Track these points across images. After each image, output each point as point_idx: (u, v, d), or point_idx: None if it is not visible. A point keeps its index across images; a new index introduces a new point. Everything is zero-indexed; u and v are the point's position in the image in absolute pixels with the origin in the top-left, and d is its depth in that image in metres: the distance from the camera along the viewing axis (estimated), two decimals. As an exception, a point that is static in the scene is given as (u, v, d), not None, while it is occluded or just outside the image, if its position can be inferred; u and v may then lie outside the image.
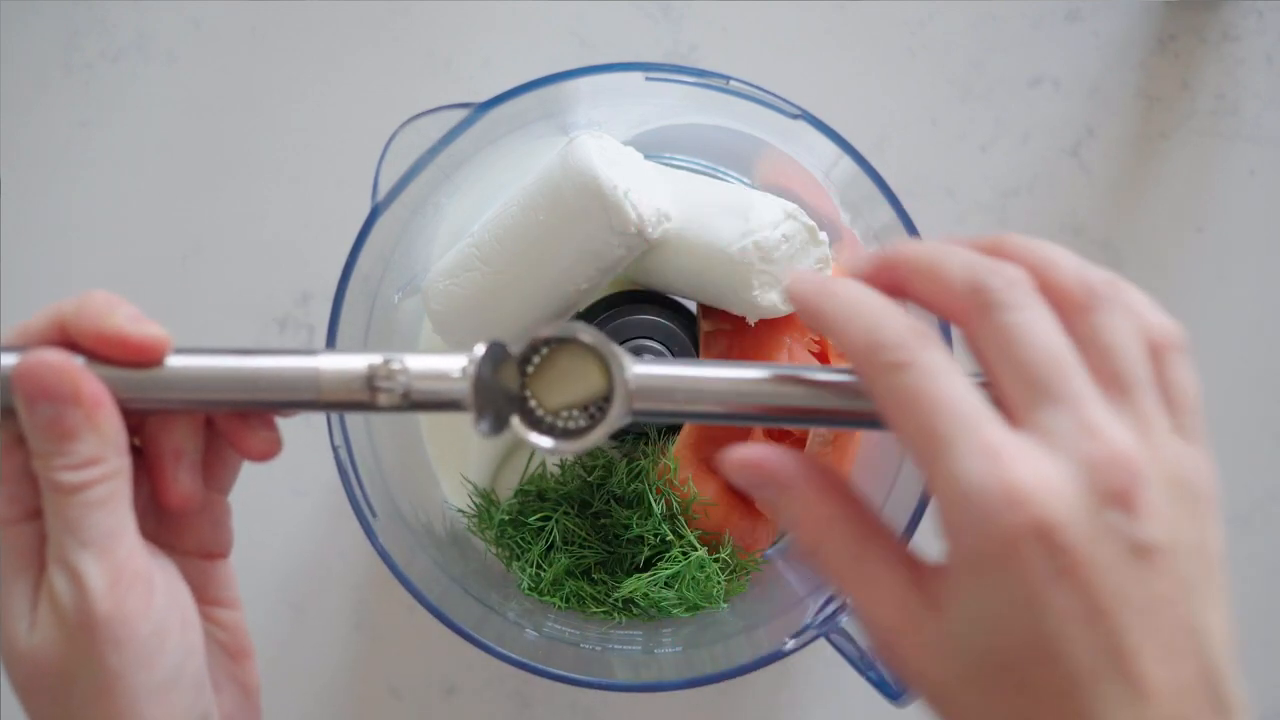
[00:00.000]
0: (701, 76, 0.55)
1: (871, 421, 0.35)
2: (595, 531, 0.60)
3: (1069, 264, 0.34)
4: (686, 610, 0.59)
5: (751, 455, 0.35)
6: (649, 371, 0.37)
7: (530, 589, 0.60)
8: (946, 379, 0.32)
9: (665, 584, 0.59)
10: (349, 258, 0.55)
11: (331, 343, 0.55)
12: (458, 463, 0.64)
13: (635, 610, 0.60)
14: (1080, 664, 0.30)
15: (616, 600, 0.59)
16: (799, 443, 0.59)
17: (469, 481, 0.63)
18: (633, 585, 0.59)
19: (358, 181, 0.63)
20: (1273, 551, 0.68)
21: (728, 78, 0.55)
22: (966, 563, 0.31)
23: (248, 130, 0.70)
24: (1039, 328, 0.32)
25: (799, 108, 0.54)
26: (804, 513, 0.34)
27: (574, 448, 0.38)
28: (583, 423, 0.38)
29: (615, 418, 0.37)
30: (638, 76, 0.55)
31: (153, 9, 0.70)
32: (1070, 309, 0.33)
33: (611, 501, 0.60)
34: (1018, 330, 0.32)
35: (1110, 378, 0.32)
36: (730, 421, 0.39)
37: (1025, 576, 0.30)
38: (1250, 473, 0.68)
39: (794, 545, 0.34)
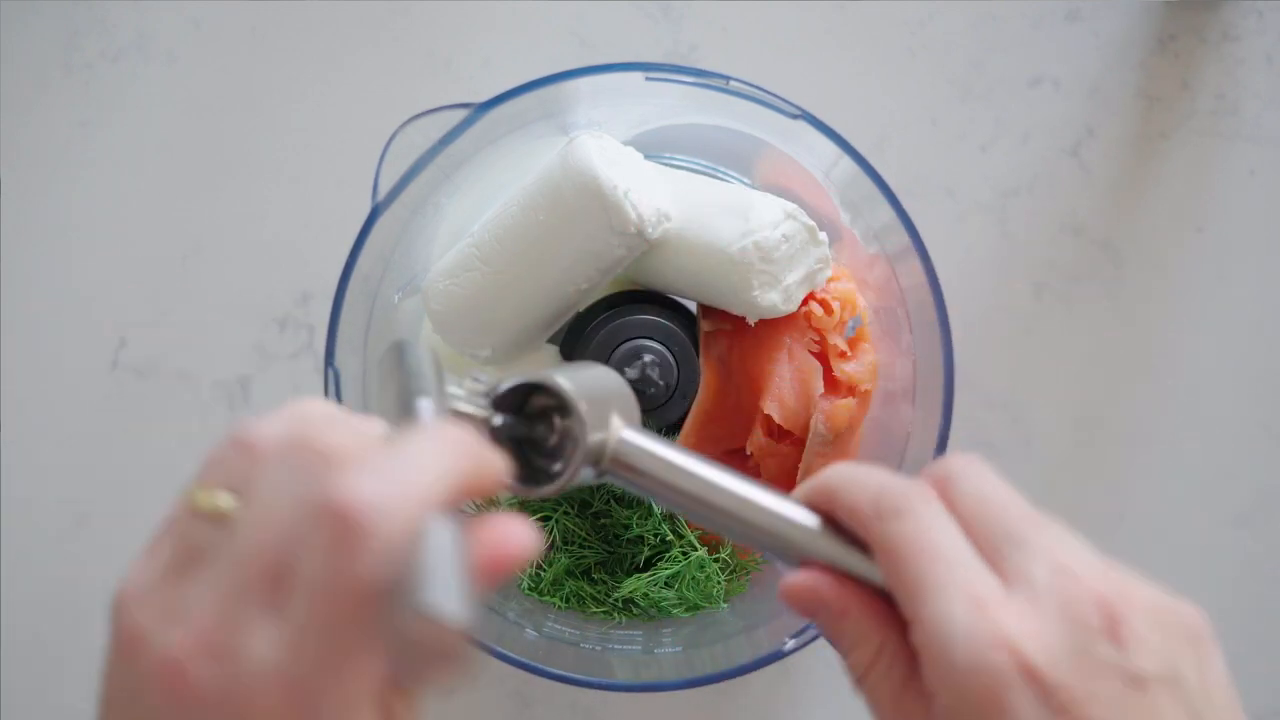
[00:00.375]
0: (701, 76, 0.55)
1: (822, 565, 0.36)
2: (595, 531, 0.60)
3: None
4: (686, 610, 0.59)
5: (807, 583, 0.35)
6: (629, 440, 0.37)
7: (530, 589, 0.60)
8: (941, 531, 0.33)
9: (665, 584, 0.59)
10: (349, 258, 0.55)
11: (331, 342, 0.55)
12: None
13: (635, 610, 0.60)
14: None
15: (616, 600, 0.59)
16: (799, 444, 0.59)
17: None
18: (633, 585, 0.59)
19: (358, 181, 0.63)
20: (1273, 551, 0.68)
21: (728, 78, 0.55)
22: (954, 711, 0.31)
23: (248, 130, 0.70)
24: (997, 488, 0.34)
25: (799, 108, 0.54)
26: (858, 639, 0.35)
27: (532, 492, 0.38)
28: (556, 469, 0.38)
29: (568, 475, 0.37)
30: (638, 76, 0.55)
31: (153, 9, 0.70)
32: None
33: (611, 501, 0.60)
34: (979, 492, 0.34)
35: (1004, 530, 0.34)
36: (692, 516, 0.39)
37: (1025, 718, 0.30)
38: (1250, 473, 0.68)
39: (848, 671, 0.35)
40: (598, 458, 0.37)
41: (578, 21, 0.70)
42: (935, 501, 0.34)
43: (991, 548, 0.33)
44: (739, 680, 0.55)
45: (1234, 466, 0.68)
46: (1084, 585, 0.32)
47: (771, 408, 0.59)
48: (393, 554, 0.28)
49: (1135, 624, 0.31)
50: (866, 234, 0.59)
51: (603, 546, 0.60)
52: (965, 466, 0.35)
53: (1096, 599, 0.32)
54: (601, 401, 0.38)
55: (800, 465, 0.59)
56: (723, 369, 0.61)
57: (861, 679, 0.35)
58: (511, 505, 0.62)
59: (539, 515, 0.60)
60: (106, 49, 0.70)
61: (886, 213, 0.55)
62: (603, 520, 0.60)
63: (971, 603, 0.31)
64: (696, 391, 0.61)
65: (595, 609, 0.60)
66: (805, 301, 0.59)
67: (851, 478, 0.36)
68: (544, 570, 0.60)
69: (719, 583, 0.59)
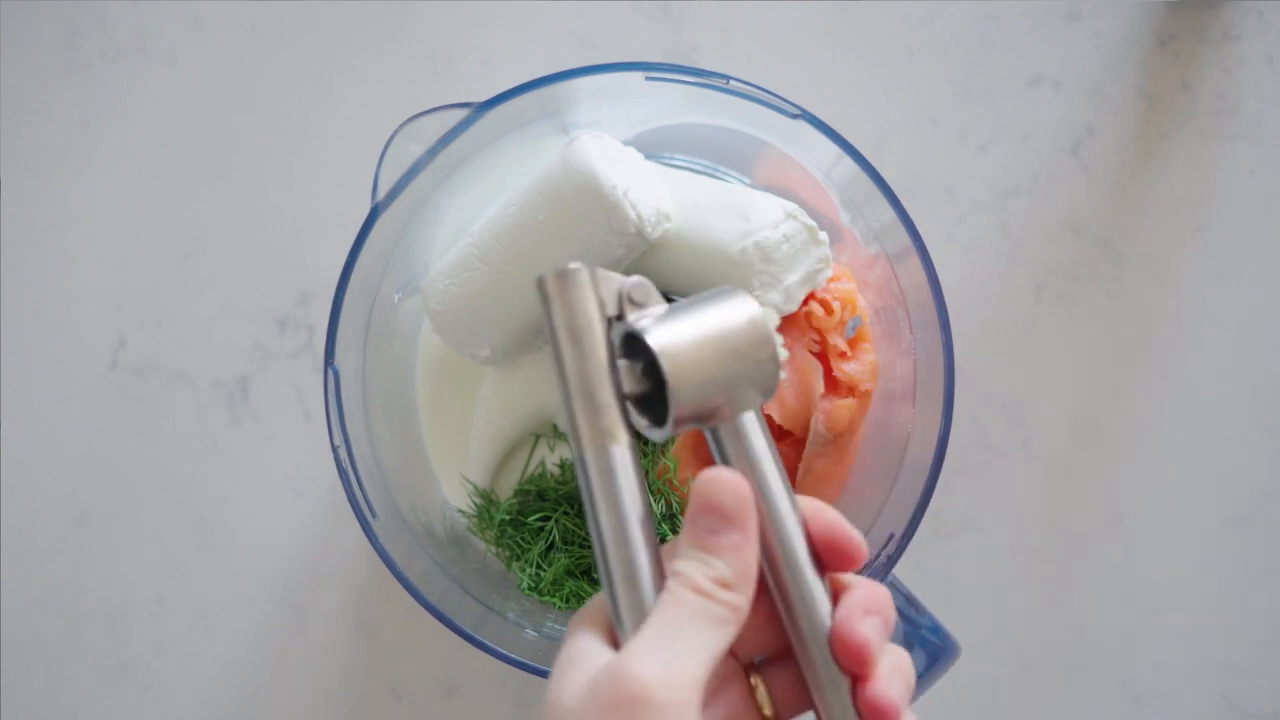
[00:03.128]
0: (701, 76, 0.55)
1: None
2: (595, 531, 0.60)
3: None
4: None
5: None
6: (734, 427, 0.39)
7: (530, 589, 0.60)
8: None
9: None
10: (349, 258, 0.55)
11: (331, 342, 0.55)
12: (458, 463, 0.64)
13: (635, 610, 0.59)
14: None
15: (616, 600, 0.59)
16: (799, 444, 0.59)
17: (469, 481, 0.63)
18: (633, 585, 0.58)
19: (358, 181, 0.63)
20: (1273, 551, 0.68)
21: (728, 77, 0.55)
22: None
23: (247, 130, 0.70)
24: None
25: (799, 107, 0.54)
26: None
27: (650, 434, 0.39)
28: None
29: (666, 432, 0.39)
30: (638, 76, 0.55)
31: (153, 9, 0.70)
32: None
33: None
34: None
35: None
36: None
37: None
38: (1250, 473, 0.68)
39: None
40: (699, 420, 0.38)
41: (577, 21, 0.70)
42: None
43: None
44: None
45: (1234, 466, 0.68)
46: None
47: (771, 408, 0.59)
48: None
49: None
50: (866, 234, 0.59)
51: (603, 546, 0.60)
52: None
53: None
54: (710, 364, 0.38)
55: (800, 465, 0.59)
56: (723, 369, 0.61)
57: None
58: (525, 499, 0.62)
59: (538, 516, 0.60)
60: (106, 49, 0.70)
61: (887, 213, 0.55)
62: (603, 520, 0.60)
63: None
64: (696, 391, 0.61)
65: (595, 609, 0.60)
66: (806, 302, 0.59)
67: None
68: (544, 570, 0.60)
69: (719, 583, 0.59)
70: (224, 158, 0.70)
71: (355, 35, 0.70)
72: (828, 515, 0.39)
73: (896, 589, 0.54)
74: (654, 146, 0.62)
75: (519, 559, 0.60)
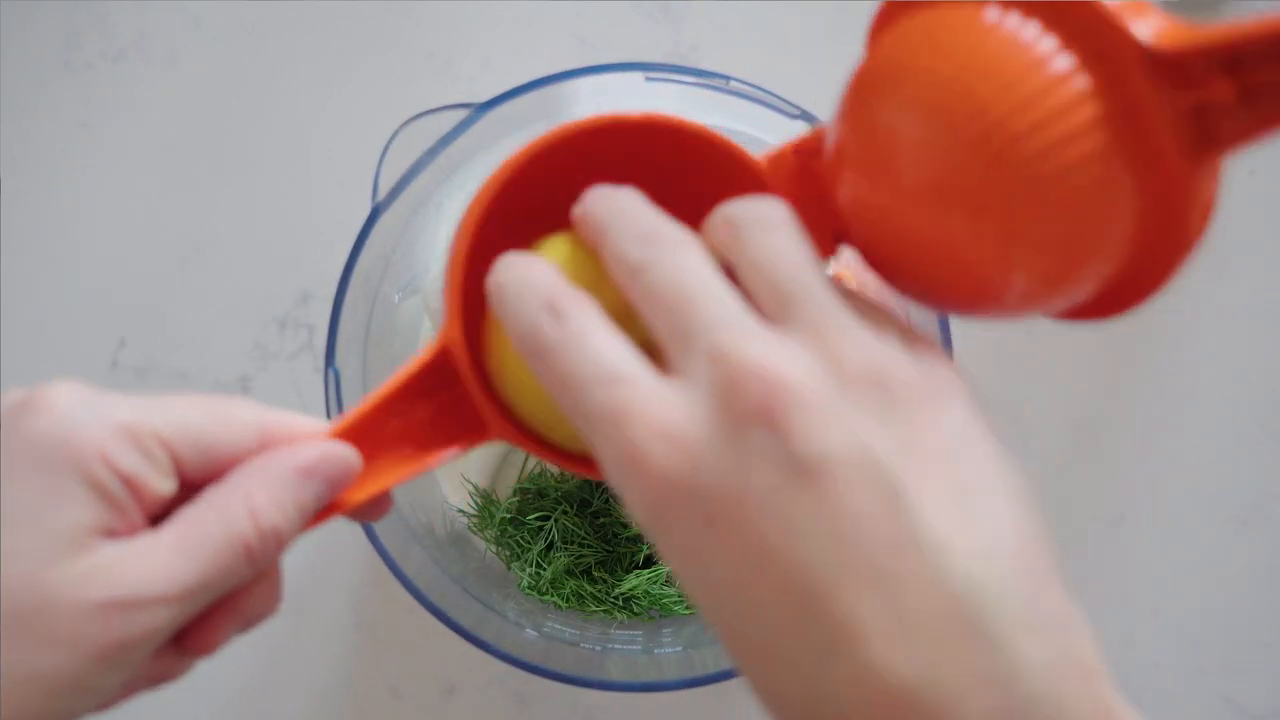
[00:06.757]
0: (701, 76, 0.55)
1: None
2: (594, 530, 0.61)
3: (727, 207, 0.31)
4: (687, 608, 0.59)
5: None
6: None
7: (530, 588, 0.60)
8: (594, 338, 0.29)
9: (665, 581, 0.59)
10: (349, 258, 0.55)
11: (332, 342, 0.55)
12: (458, 463, 0.64)
13: (636, 608, 0.60)
14: (770, 616, 0.26)
15: (617, 598, 0.59)
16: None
17: (469, 481, 0.63)
18: (633, 583, 0.59)
19: (358, 181, 0.63)
20: (1273, 551, 0.68)
21: (728, 78, 0.55)
22: (643, 527, 0.28)
23: (248, 130, 0.70)
24: (674, 266, 0.29)
25: (799, 107, 0.54)
26: None
27: None
28: None
29: None
30: (638, 76, 0.55)
31: (153, 9, 0.70)
32: (725, 241, 0.31)
33: (610, 500, 0.60)
34: (650, 275, 0.29)
35: (769, 294, 0.29)
36: None
37: (682, 540, 0.27)
38: (1250, 474, 0.68)
39: None
40: None
41: (577, 21, 0.70)
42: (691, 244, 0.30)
43: (662, 337, 0.29)
44: (739, 680, 0.55)
45: (1234, 466, 0.68)
46: (734, 366, 0.26)
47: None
48: None
49: (803, 403, 0.26)
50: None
51: (602, 545, 0.60)
52: (756, 217, 0.30)
53: (746, 378, 0.26)
54: None
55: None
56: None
57: None
58: (525, 498, 0.62)
59: (538, 515, 0.60)
60: (107, 49, 0.70)
61: (886, 212, 0.55)
62: (602, 519, 0.60)
63: (613, 412, 0.27)
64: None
65: (595, 608, 0.60)
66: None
67: (610, 220, 0.30)
68: (544, 569, 0.60)
69: (719, 582, 0.59)
70: (224, 158, 0.70)
71: (355, 35, 0.70)
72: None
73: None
74: (654, 146, 0.62)
75: (519, 558, 0.61)
